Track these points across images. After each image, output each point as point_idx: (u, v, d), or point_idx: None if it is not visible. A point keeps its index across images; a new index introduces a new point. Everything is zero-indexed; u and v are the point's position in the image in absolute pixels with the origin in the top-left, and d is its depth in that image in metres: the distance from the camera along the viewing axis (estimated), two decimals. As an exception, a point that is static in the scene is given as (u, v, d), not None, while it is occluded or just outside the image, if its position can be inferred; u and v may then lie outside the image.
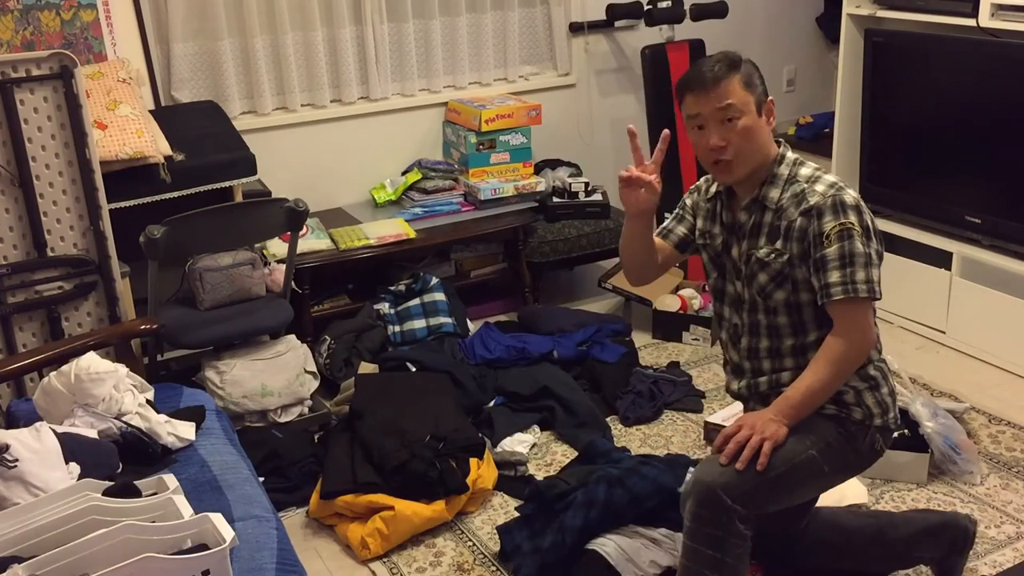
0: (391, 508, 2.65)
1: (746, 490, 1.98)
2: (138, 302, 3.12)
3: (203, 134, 3.38)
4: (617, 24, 4.44)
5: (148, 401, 2.44)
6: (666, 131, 2.16)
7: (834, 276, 1.98)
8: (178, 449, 2.36)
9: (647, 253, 2.27)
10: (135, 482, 1.93)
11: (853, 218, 1.99)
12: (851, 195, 2.01)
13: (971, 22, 3.46)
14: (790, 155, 2.11)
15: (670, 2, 4.18)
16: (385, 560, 2.65)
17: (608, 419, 3.25)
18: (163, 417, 2.39)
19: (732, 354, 2.24)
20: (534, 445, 3.12)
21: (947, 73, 3.61)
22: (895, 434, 2.75)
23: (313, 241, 3.62)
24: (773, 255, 2.06)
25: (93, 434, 2.25)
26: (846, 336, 2.01)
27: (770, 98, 2.08)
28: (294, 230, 3.19)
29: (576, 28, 4.37)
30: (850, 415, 2.08)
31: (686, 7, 4.22)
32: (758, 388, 2.17)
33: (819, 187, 2.03)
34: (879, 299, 2.01)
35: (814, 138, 4.74)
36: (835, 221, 1.98)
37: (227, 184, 3.29)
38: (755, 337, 2.15)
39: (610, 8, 4.31)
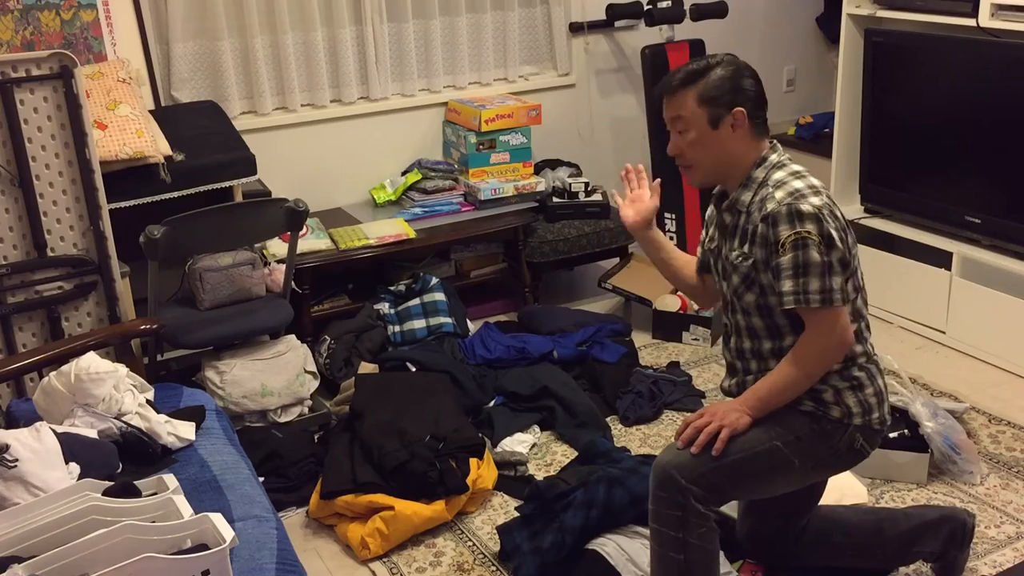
0: (391, 508, 2.65)
1: (701, 471, 2.02)
2: (138, 302, 3.12)
3: (203, 134, 3.38)
4: (617, 24, 4.44)
5: (148, 401, 2.44)
6: (657, 179, 2.34)
7: (787, 285, 1.99)
8: (178, 449, 2.36)
9: (675, 269, 2.37)
10: (135, 482, 1.93)
11: (810, 227, 1.97)
12: (811, 203, 1.99)
13: (971, 22, 3.46)
14: (773, 157, 2.11)
15: (670, 2, 4.17)
16: (385, 560, 2.65)
17: (608, 419, 3.24)
18: (163, 417, 2.39)
19: (725, 353, 2.27)
20: (534, 445, 3.12)
21: (947, 73, 3.61)
22: (894, 433, 2.78)
23: (313, 241, 3.62)
24: (741, 258, 2.08)
25: (93, 434, 2.26)
26: (814, 339, 2.02)
27: (736, 109, 2.06)
28: (294, 230, 3.19)
29: (576, 28, 4.37)
30: (827, 413, 2.08)
31: (686, 7, 4.22)
32: (746, 387, 2.18)
33: (779, 193, 2.02)
34: (838, 307, 2.00)
35: (814, 138, 4.74)
36: (790, 230, 1.98)
37: (227, 184, 3.29)
38: (740, 338, 2.18)
39: (610, 8, 4.31)
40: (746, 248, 2.07)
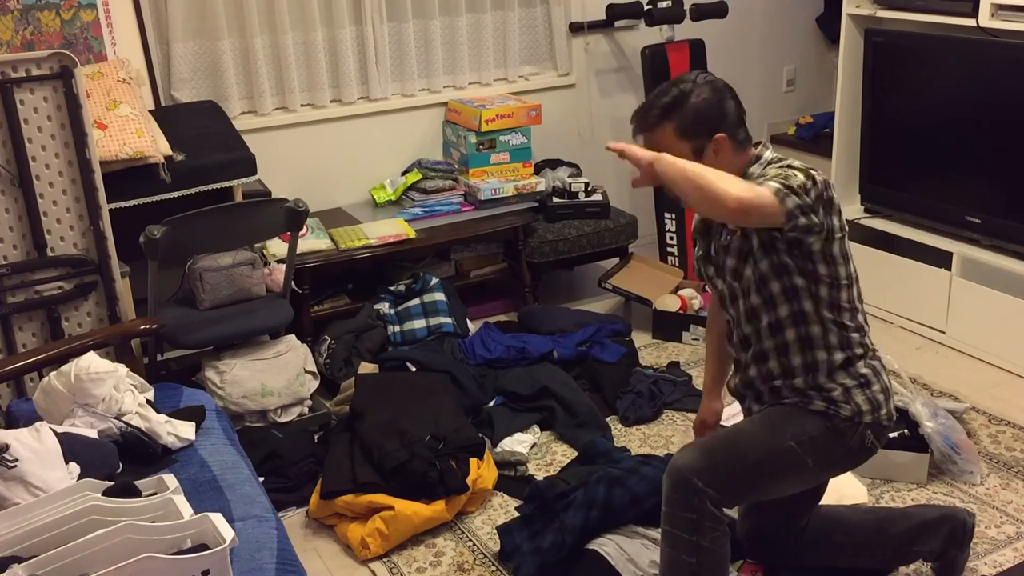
0: (391, 508, 2.65)
1: (718, 474, 2.02)
2: (138, 302, 3.12)
3: (203, 134, 3.38)
4: (617, 24, 4.44)
5: (148, 401, 2.44)
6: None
7: (773, 183, 1.90)
8: (178, 449, 2.36)
9: (726, 356, 2.39)
10: (135, 482, 1.93)
11: (798, 169, 1.96)
12: (803, 166, 1.99)
13: (971, 22, 3.46)
14: (767, 155, 2.12)
15: (670, 2, 4.18)
16: (385, 560, 2.65)
17: (608, 419, 3.24)
18: (163, 417, 2.39)
19: (730, 350, 2.28)
20: (534, 445, 3.12)
21: (947, 73, 3.61)
22: (894, 433, 2.78)
23: (313, 241, 3.62)
24: (730, 237, 2.10)
25: (93, 434, 2.26)
26: (773, 193, 1.88)
27: (717, 136, 2.04)
28: (294, 230, 3.19)
29: (576, 28, 4.37)
30: (838, 412, 2.09)
31: (686, 7, 4.22)
32: (750, 382, 2.20)
33: (772, 170, 2.02)
34: (802, 204, 1.89)
35: (814, 138, 4.74)
36: (778, 169, 1.99)
37: (227, 184, 3.29)
38: (740, 327, 2.18)
39: (610, 8, 4.31)
40: (741, 232, 2.08)
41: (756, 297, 2.11)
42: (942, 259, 3.66)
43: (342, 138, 4.04)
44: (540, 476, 2.93)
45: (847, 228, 2.09)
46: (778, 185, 1.91)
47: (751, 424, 2.18)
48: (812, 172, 1.98)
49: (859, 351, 2.12)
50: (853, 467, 2.23)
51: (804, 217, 1.93)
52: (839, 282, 2.07)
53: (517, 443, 3.07)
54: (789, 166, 2.01)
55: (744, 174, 2.09)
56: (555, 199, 4.06)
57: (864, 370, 2.11)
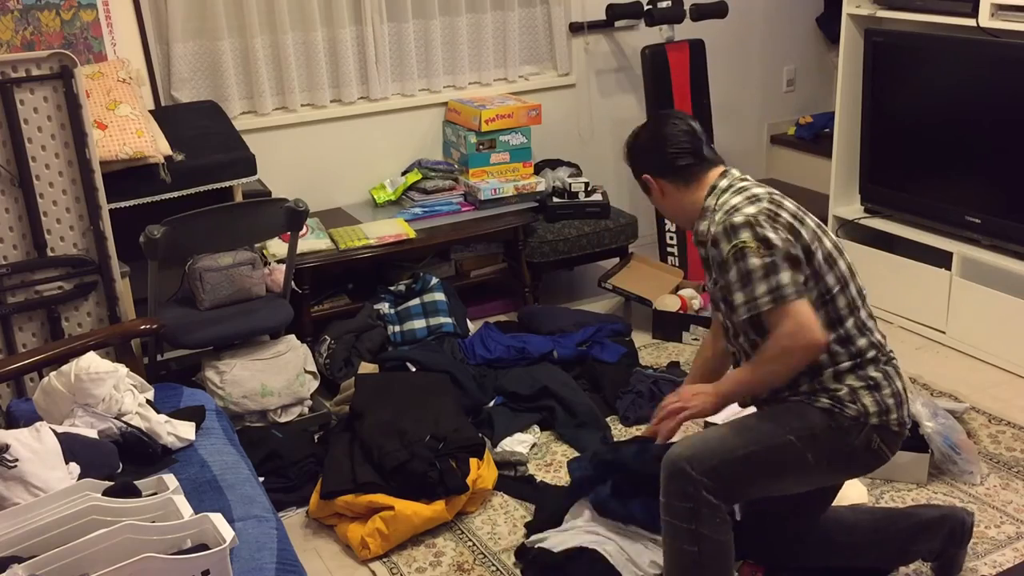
0: (391, 508, 2.65)
1: (713, 464, 2.04)
2: (138, 302, 3.12)
3: (203, 134, 3.38)
4: (617, 24, 4.44)
5: (148, 401, 2.44)
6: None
7: (739, 298, 2.03)
8: (178, 449, 2.37)
9: (714, 363, 2.42)
10: (135, 482, 1.94)
11: (744, 236, 2.02)
12: (744, 213, 2.04)
13: (971, 22, 3.46)
14: (723, 183, 2.16)
15: (670, 2, 4.18)
16: (385, 560, 2.65)
17: (608, 419, 3.25)
18: (163, 417, 2.39)
19: None
20: (534, 445, 3.12)
21: (947, 73, 3.61)
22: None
23: (313, 241, 3.62)
24: (714, 285, 2.15)
25: (93, 434, 2.26)
26: (776, 337, 2.02)
27: (643, 177, 2.26)
28: (294, 230, 3.19)
29: (576, 28, 4.37)
30: (843, 411, 2.09)
31: (686, 7, 4.22)
32: (756, 396, 2.22)
33: (718, 215, 2.09)
34: (792, 301, 1.99)
35: (814, 138, 4.75)
36: (728, 244, 2.03)
37: (227, 184, 3.29)
38: (748, 359, 2.20)
39: (610, 8, 4.31)
40: (714, 274, 2.13)
41: (754, 335, 2.13)
42: (942, 259, 3.66)
43: (342, 138, 4.04)
44: (540, 476, 2.94)
45: (818, 232, 2.10)
46: (766, 304, 2.00)
47: (752, 418, 2.18)
48: (757, 230, 2.01)
49: (869, 354, 2.11)
50: (861, 472, 2.22)
51: (796, 290, 2.00)
52: (831, 293, 2.08)
53: (517, 443, 3.07)
54: (730, 224, 2.03)
55: (704, 208, 2.16)
56: (555, 199, 4.06)
57: (874, 374, 2.10)
